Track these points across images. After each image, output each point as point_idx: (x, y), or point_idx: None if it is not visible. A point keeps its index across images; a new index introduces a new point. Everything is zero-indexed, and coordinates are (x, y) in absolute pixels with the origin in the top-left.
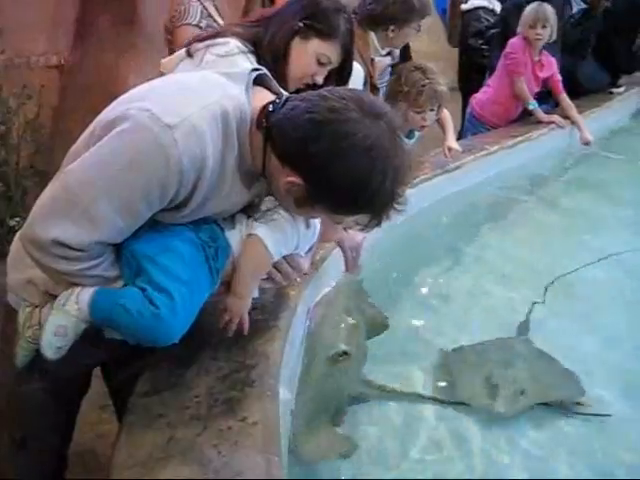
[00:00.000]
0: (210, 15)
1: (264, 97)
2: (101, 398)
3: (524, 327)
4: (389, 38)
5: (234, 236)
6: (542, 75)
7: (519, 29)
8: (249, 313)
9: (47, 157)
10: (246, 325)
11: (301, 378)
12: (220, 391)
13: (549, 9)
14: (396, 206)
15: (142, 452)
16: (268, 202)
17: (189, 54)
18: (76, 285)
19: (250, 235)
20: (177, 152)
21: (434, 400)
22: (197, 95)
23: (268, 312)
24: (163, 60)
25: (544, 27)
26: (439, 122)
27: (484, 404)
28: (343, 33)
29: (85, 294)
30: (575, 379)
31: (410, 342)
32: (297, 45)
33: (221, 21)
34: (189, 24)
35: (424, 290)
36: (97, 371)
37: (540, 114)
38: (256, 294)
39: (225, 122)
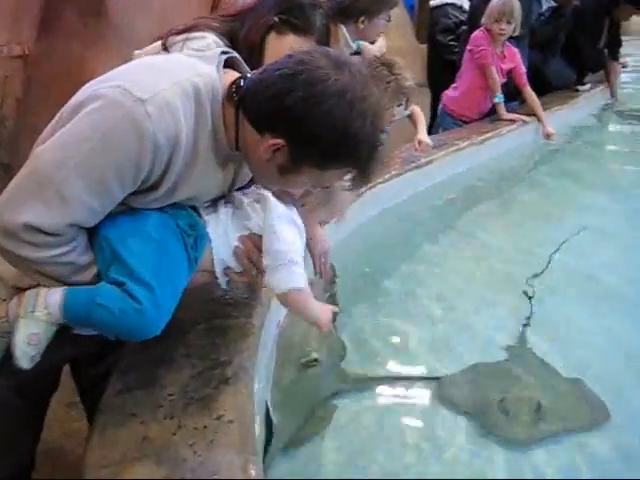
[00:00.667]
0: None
1: (234, 76)
2: (69, 395)
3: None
4: (359, 30)
5: (212, 221)
6: (505, 67)
7: (483, 20)
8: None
9: (11, 150)
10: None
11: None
12: (194, 389)
13: (516, 4)
14: (379, 154)
15: (116, 452)
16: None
17: (165, 47)
18: (43, 279)
19: (283, 294)
20: (151, 126)
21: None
22: (169, 72)
23: (241, 308)
24: (136, 51)
25: (509, 22)
26: (411, 117)
27: (502, 429)
28: (319, 29)
29: (53, 296)
30: (599, 404)
31: (384, 341)
32: (273, 40)
33: None
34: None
35: (397, 286)
36: (66, 367)
37: (502, 110)
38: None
39: (197, 99)
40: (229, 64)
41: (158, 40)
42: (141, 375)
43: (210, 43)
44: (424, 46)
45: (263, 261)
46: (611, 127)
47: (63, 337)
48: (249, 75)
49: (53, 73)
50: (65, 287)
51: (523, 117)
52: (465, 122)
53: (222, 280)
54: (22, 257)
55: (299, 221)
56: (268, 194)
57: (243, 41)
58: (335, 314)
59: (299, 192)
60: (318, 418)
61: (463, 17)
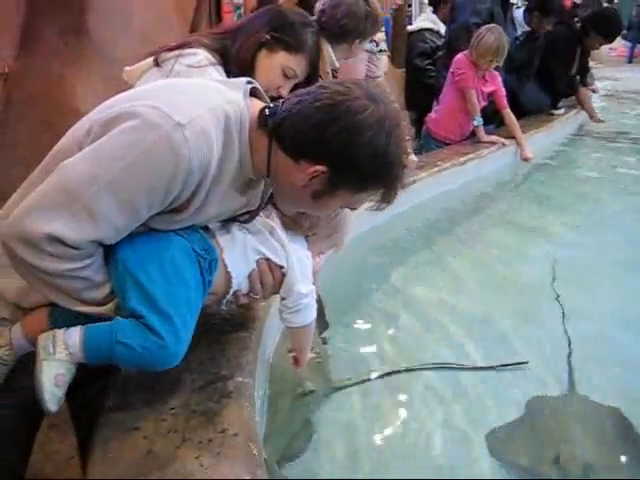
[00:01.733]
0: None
1: (259, 104)
2: (49, 417)
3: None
4: (351, 50)
5: (228, 243)
6: (487, 90)
7: (473, 56)
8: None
9: None
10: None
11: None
12: (197, 403)
13: (506, 40)
14: (404, 177)
15: (120, 467)
16: None
17: (157, 64)
18: (53, 294)
19: (298, 327)
20: (187, 151)
21: None
22: (202, 98)
23: (238, 323)
24: (127, 68)
25: (499, 60)
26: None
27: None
28: (310, 47)
29: (72, 336)
30: None
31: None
32: (263, 57)
33: None
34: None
35: (375, 306)
36: None
37: (481, 133)
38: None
39: (227, 126)
40: (253, 94)
41: (148, 56)
42: (141, 390)
43: (202, 59)
44: (400, 70)
45: (283, 300)
46: (585, 150)
47: None
48: (275, 104)
49: (33, 91)
50: (82, 326)
51: (502, 140)
52: (449, 144)
53: (227, 304)
54: (39, 268)
55: (306, 249)
56: (274, 224)
57: (235, 58)
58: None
59: (307, 224)
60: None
61: (440, 42)
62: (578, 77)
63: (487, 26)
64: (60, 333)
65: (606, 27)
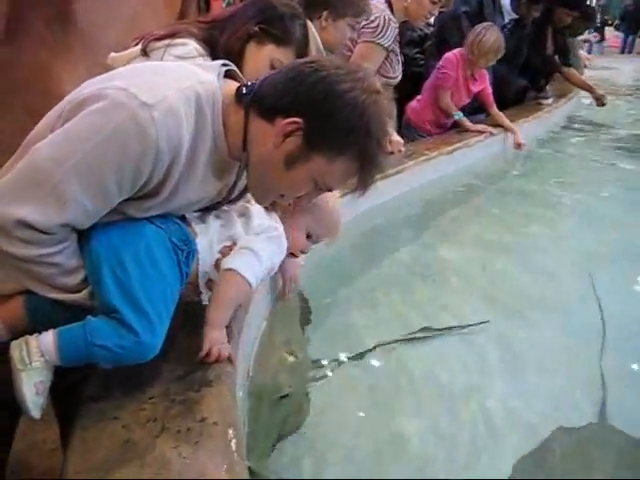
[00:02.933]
0: (398, 40)
1: (235, 85)
2: None
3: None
4: (322, 29)
5: (202, 233)
6: (475, 89)
7: (470, 51)
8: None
9: None
10: (225, 353)
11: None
12: (176, 392)
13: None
14: (383, 159)
15: (98, 456)
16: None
17: (145, 53)
18: (28, 281)
19: (227, 270)
20: (154, 131)
21: None
22: (172, 78)
23: None
24: (113, 54)
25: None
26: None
27: None
28: (298, 39)
29: (46, 342)
30: None
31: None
32: (252, 49)
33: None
34: (381, 45)
35: (361, 298)
36: None
37: (466, 123)
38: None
39: (199, 106)
40: (229, 76)
41: (135, 43)
42: (122, 379)
43: (191, 50)
44: None
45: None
46: (573, 139)
47: None
48: (253, 82)
49: (18, 80)
50: (54, 330)
51: (490, 128)
52: (427, 135)
53: (205, 295)
54: (10, 254)
55: (282, 230)
56: (252, 208)
57: (223, 49)
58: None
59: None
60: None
61: (428, 30)
62: (557, 57)
63: (484, 25)
64: (33, 340)
65: None
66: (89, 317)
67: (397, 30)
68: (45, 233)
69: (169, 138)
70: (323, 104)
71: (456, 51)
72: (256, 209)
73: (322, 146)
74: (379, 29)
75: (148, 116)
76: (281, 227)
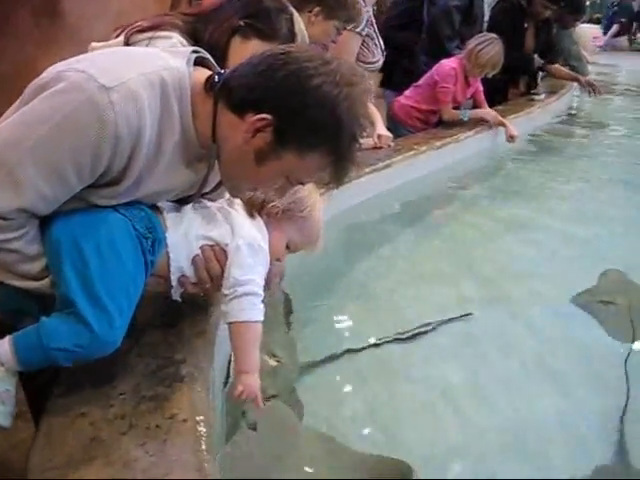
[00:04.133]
0: (372, 23)
1: (206, 73)
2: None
3: None
4: (310, 23)
5: (173, 221)
6: (469, 91)
7: (468, 60)
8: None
9: None
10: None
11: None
12: (147, 387)
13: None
14: (356, 152)
15: (62, 453)
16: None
17: (127, 44)
18: None
19: (240, 323)
20: (112, 115)
21: None
22: (137, 63)
23: (196, 307)
24: (94, 44)
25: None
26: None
27: None
28: (284, 35)
29: (2, 350)
30: None
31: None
32: (236, 44)
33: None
34: (354, 31)
35: (353, 287)
36: None
37: (481, 113)
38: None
39: (163, 92)
40: (200, 63)
41: (118, 32)
42: (91, 374)
43: (175, 43)
44: None
45: (222, 287)
46: (566, 135)
47: (4, 336)
48: (225, 70)
49: (4, 73)
50: (9, 337)
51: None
52: (413, 131)
53: (176, 291)
54: None
55: (265, 245)
56: (234, 210)
57: (207, 43)
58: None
59: (261, 196)
60: None
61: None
62: (536, 55)
63: (488, 37)
64: None
65: None
66: (42, 319)
67: (368, 14)
68: (2, 218)
69: (129, 123)
70: (292, 101)
71: (452, 62)
72: (240, 214)
73: (292, 143)
74: None
75: (106, 99)
76: (265, 237)
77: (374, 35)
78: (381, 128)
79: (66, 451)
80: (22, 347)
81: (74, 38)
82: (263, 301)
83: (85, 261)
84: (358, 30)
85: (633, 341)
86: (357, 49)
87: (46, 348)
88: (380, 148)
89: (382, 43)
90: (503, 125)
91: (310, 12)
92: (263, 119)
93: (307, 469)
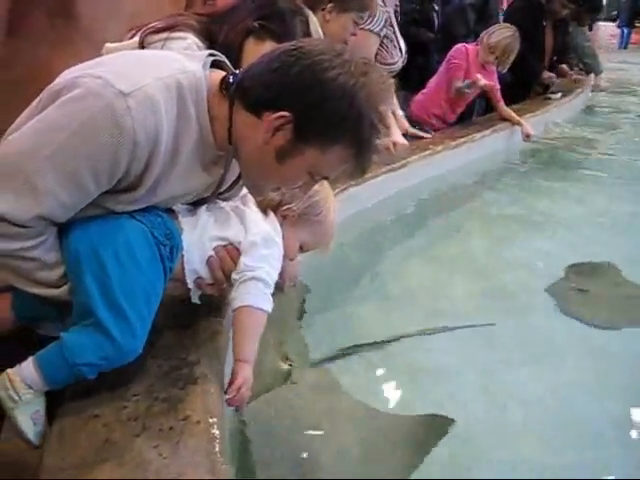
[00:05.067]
0: (391, 24)
1: (221, 75)
2: None
3: None
4: (325, 21)
5: (188, 225)
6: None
7: (481, 42)
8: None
9: None
10: (246, 397)
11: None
12: (160, 389)
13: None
14: (376, 141)
15: (75, 455)
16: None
17: (142, 46)
18: (8, 275)
19: (243, 307)
20: (130, 120)
21: None
22: (152, 67)
23: (210, 309)
24: (109, 45)
25: (500, 60)
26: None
27: None
28: (299, 36)
29: (28, 373)
30: None
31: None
32: (251, 45)
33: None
34: (371, 31)
35: (371, 287)
36: None
37: (481, 81)
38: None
39: (180, 96)
40: (216, 66)
41: (132, 32)
42: (104, 376)
43: (190, 44)
44: None
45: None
46: (584, 133)
47: (27, 340)
48: (240, 70)
49: (20, 75)
50: (33, 358)
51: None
52: (432, 130)
53: (194, 294)
54: None
55: (279, 240)
56: (248, 209)
57: (222, 44)
58: None
59: (277, 198)
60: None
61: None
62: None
63: (502, 26)
64: (14, 375)
65: None
66: (62, 335)
67: (387, 16)
68: (21, 226)
69: (146, 128)
70: (310, 95)
71: (468, 45)
72: (254, 212)
73: (314, 138)
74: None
75: (124, 105)
76: (279, 234)
77: (393, 37)
78: (396, 134)
79: (79, 452)
80: (47, 367)
81: (89, 40)
82: (273, 295)
83: (105, 270)
84: (376, 30)
85: None
86: (375, 49)
87: (72, 365)
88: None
89: (402, 44)
90: (519, 124)
91: (324, 10)
92: (282, 117)
93: (345, 426)
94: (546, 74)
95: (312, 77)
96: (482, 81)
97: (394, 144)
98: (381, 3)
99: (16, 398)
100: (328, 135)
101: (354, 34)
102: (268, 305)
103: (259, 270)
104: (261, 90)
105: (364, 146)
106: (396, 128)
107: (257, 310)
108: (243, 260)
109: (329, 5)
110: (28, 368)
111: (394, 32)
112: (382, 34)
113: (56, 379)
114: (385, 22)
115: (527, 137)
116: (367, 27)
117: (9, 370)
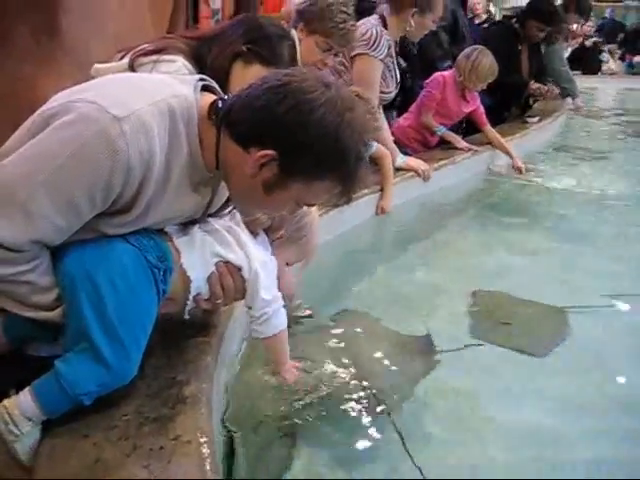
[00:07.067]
0: (391, 55)
1: (212, 99)
2: None
3: None
4: (299, 42)
5: (186, 246)
6: (466, 110)
7: (464, 75)
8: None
9: None
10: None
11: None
12: (150, 409)
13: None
14: (362, 169)
15: (65, 474)
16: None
17: (132, 68)
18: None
19: (275, 335)
20: (125, 145)
21: None
22: (145, 92)
23: (198, 327)
24: (98, 65)
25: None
26: (381, 174)
27: None
28: (286, 60)
29: (26, 406)
30: None
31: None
32: (239, 69)
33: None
34: (376, 57)
35: (353, 302)
36: None
37: (451, 136)
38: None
39: (172, 120)
40: (206, 89)
41: (122, 54)
42: None
43: (180, 67)
44: None
45: (250, 310)
46: (559, 160)
47: (14, 358)
48: (228, 95)
49: (2, 92)
50: (29, 390)
51: (474, 147)
52: (413, 153)
53: (190, 309)
54: None
55: (270, 254)
56: (240, 230)
57: (210, 67)
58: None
59: (268, 222)
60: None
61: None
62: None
63: (478, 49)
64: (13, 407)
65: (537, 8)
66: (57, 364)
67: (390, 45)
68: (15, 251)
69: (140, 152)
70: (296, 136)
71: (445, 72)
72: (245, 233)
73: (299, 174)
74: (372, 41)
75: (118, 130)
76: (269, 249)
77: (392, 67)
78: (386, 199)
79: (69, 472)
80: (45, 398)
81: (72, 57)
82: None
83: (100, 295)
84: (380, 57)
85: None
86: (378, 75)
87: (71, 394)
88: None
89: (398, 76)
90: (510, 156)
91: (297, 28)
92: (267, 155)
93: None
94: (534, 84)
95: (298, 118)
96: (461, 144)
97: (381, 209)
98: (386, 31)
99: (17, 432)
100: (313, 172)
101: (326, 63)
102: (286, 319)
103: (275, 301)
104: (247, 127)
105: (350, 179)
106: (389, 192)
107: (284, 330)
108: (260, 294)
109: (300, 24)
110: (26, 400)
111: (393, 62)
112: (385, 62)
113: (55, 409)
114: (388, 50)
115: (518, 171)
116: (372, 53)
117: (6, 402)
